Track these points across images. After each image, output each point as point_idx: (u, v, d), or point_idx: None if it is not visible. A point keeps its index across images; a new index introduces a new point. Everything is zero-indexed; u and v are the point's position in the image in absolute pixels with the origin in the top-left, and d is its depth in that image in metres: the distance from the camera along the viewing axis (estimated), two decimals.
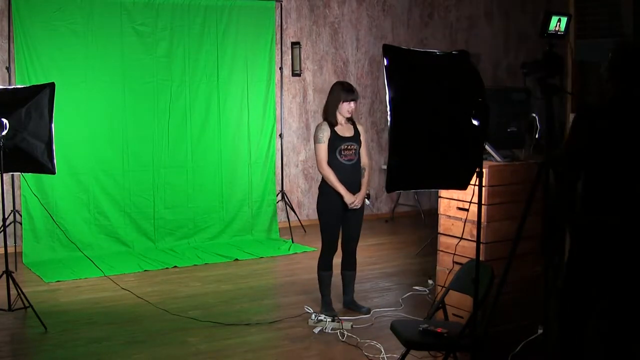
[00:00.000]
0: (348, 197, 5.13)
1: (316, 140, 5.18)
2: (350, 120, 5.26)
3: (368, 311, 5.39)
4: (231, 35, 7.83)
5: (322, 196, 5.26)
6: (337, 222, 5.25)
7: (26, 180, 6.43)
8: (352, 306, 5.47)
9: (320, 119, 8.79)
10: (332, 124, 5.18)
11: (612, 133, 3.27)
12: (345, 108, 5.14)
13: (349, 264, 5.43)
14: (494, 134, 4.41)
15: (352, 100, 5.15)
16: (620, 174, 3.26)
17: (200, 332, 5.03)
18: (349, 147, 5.16)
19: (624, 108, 3.29)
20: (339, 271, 5.49)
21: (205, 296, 5.91)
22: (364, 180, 5.27)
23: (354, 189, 5.19)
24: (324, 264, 5.34)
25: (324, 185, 5.23)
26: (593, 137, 3.29)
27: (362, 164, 5.27)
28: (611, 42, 3.71)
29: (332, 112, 5.18)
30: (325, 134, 5.14)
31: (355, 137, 5.21)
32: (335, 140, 5.14)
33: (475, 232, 4.36)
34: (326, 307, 5.35)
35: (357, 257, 5.50)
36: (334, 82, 5.57)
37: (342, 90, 5.18)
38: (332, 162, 5.16)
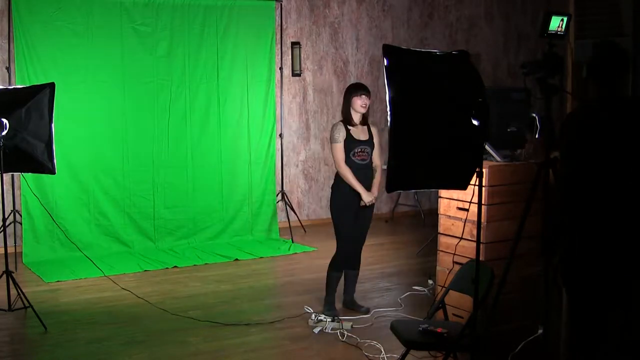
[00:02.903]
0: (366, 195, 5.19)
1: (333, 140, 5.24)
2: (365, 122, 5.32)
3: (367, 311, 5.39)
4: (231, 35, 7.83)
5: (337, 195, 5.31)
6: (353, 221, 5.29)
7: (26, 180, 6.43)
8: (352, 306, 5.47)
9: (320, 118, 8.82)
10: (349, 123, 5.25)
11: (597, 136, 3.23)
12: (358, 103, 5.21)
13: (354, 263, 5.45)
14: (494, 134, 4.41)
15: (362, 94, 5.22)
16: (607, 177, 3.22)
17: (200, 332, 5.03)
18: (363, 150, 5.24)
19: (608, 110, 3.25)
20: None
21: (205, 296, 5.91)
22: (376, 181, 5.32)
23: (366, 186, 5.26)
24: (337, 265, 5.36)
25: (338, 185, 5.28)
26: (577, 141, 3.25)
27: (374, 165, 5.32)
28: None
29: (347, 110, 5.27)
30: (341, 133, 5.22)
31: (369, 141, 5.29)
32: (350, 143, 5.22)
33: (475, 232, 4.36)
34: (329, 306, 5.36)
35: None
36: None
37: (352, 87, 5.32)
38: (346, 161, 5.24)
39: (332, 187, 5.37)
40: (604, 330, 3.26)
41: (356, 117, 5.26)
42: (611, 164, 3.18)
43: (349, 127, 5.24)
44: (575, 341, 3.35)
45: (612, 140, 3.18)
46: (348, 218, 5.26)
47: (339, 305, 5.52)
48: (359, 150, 5.22)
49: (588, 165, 3.21)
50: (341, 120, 5.29)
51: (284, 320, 5.26)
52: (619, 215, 3.16)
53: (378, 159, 5.37)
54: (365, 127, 5.32)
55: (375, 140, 5.33)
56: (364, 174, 5.26)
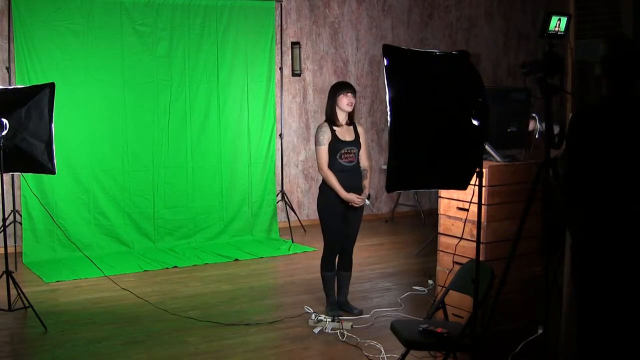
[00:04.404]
0: (349, 197, 5.13)
1: (317, 143, 5.18)
2: (351, 121, 5.27)
3: (360, 312, 5.37)
4: (231, 35, 7.83)
5: (323, 196, 5.26)
6: (338, 222, 5.25)
7: (26, 180, 6.43)
8: (345, 307, 5.44)
9: (320, 118, 8.80)
10: (334, 123, 5.18)
11: (607, 135, 3.22)
12: (344, 101, 5.14)
13: (345, 264, 5.41)
14: (494, 134, 4.40)
15: (348, 92, 5.16)
16: (616, 177, 3.20)
17: (200, 332, 5.03)
18: (349, 151, 5.18)
19: (619, 108, 3.24)
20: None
21: (205, 296, 5.91)
22: (366, 183, 5.27)
23: (355, 188, 5.20)
24: (327, 265, 5.34)
25: (325, 186, 5.23)
26: (589, 139, 3.24)
27: (362, 167, 5.27)
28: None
29: (332, 109, 5.19)
30: (326, 136, 5.14)
31: (356, 141, 5.22)
32: (336, 144, 5.15)
33: (475, 232, 4.35)
34: (331, 306, 5.36)
35: (356, 257, 5.49)
36: (334, 83, 5.58)
37: (338, 86, 5.25)
38: (333, 163, 5.17)
39: (320, 188, 5.32)
40: (615, 330, 3.23)
41: (341, 117, 5.20)
42: (625, 163, 3.16)
43: (334, 128, 5.18)
44: (583, 342, 3.32)
45: (628, 138, 3.17)
46: (334, 219, 5.23)
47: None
48: (345, 151, 5.16)
49: (602, 163, 3.19)
50: (325, 121, 5.23)
51: (284, 320, 5.26)
52: (633, 213, 3.14)
53: (366, 160, 5.30)
54: (351, 127, 5.26)
55: (362, 140, 5.26)
56: (352, 176, 5.20)
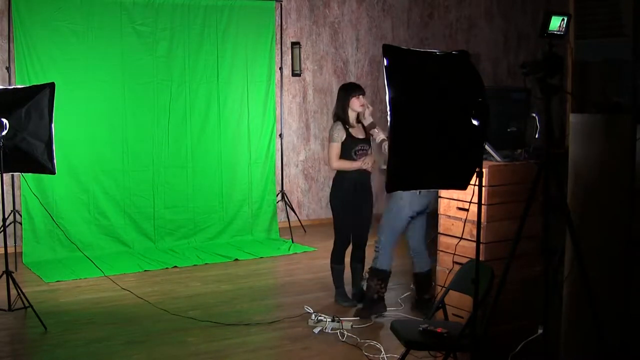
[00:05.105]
0: (358, 164, 5.29)
1: (331, 139, 5.35)
2: (359, 121, 5.44)
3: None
4: (231, 35, 7.83)
5: (337, 191, 5.45)
6: (350, 215, 5.41)
7: (26, 180, 6.43)
8: (359, 297, 5.56)
9: (320, 118, 8.82)
10: (347, 122, 5.35)
11: None
12: (357, 103, 5.33)
13: (359, 256, 5.62)
14: (494, 134, 4.41)
15: (360, 94, 5.35)
16: None
17: (199, 332, 5.03)
18: (362, 148, 5.37)
19: None
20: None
21: (205, 296, 5.91)
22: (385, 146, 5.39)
23: (364, 185, 5.42)
24: (338, 258, 5.55)
25: (338, 180, 5.40)
26: None
27: (380, 139, 5.41)
28: (612, 42, 3.69)
29: (344, 110, 5.36)
30: (340, 134, 5.32)
31: (367, 139, 5.43)
32: (351, 143, 5.34)
33: (475, 232, 4.35)
34: (342, 297, 5.55)
35: None
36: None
37: (349, 88, 5.42)
38: (348, 159, 5.35)
39: (334, 180, 5.50)
40: None
41: (352, 117, 5.38)
42: None
43: (348, 127, 5.34)
44: None
45: None
46: (346, 212, 5.41)
47: (334, 303, 5.56)
48: (359, 148, 5.34)
49: None
50: (339, 121, 5.37)
51: (284, 320, 5.26)
52: None
53: (382, 134, 5.45)
54: (360, 125, 5.45)
55: (377, 129, 5.47)
56: (362, 173, 5.38)
